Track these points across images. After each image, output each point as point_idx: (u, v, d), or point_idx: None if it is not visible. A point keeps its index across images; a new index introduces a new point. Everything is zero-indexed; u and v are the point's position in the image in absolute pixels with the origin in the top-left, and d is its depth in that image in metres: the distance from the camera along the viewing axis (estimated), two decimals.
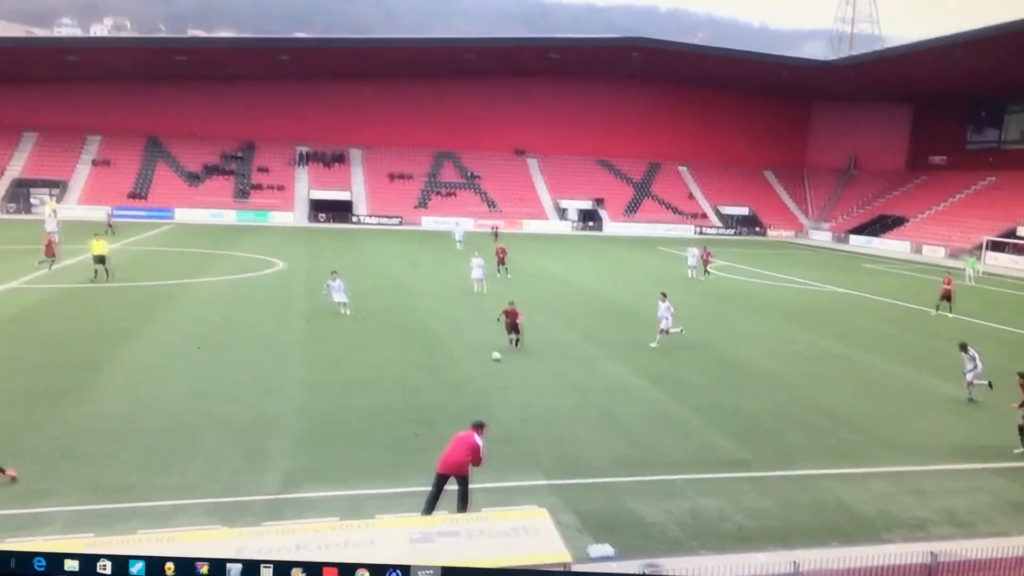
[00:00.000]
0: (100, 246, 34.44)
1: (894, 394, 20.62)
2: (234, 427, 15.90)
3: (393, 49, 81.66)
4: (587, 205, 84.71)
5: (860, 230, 79.63)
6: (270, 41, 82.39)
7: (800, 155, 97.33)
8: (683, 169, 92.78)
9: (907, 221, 77.71)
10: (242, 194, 76.86)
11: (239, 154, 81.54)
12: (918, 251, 69.95)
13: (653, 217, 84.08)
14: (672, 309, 25.04)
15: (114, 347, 22.01)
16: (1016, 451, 16.21)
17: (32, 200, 70.95)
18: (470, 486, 11.86)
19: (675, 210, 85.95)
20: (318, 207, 76.91)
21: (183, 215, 71.82)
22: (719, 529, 12.28)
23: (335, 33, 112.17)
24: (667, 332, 24.81)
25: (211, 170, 78.83)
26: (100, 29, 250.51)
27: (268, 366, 20.81)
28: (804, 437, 16.85)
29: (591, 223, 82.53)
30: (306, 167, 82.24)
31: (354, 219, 76.23)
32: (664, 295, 25.72)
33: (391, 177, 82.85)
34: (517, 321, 23.34)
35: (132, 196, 73.97)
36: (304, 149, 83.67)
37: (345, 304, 28.09)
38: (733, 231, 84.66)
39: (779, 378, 21.81)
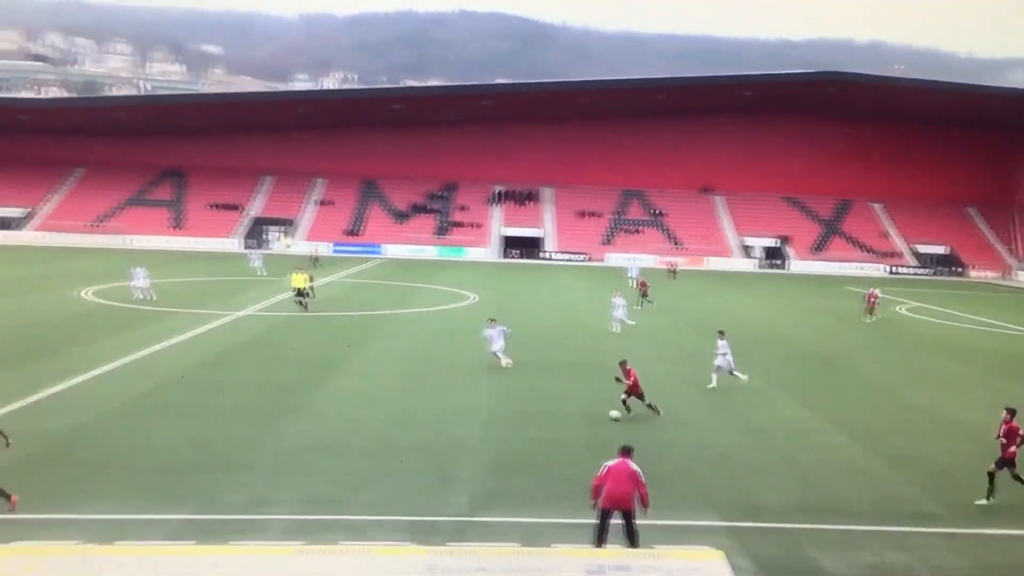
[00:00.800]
0: (299, 280, 36.11)
1: None
2: (427, 450, 16.53)
3: (587, 91, 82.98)
4: (772, 243, 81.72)
5: None
6: (474, 88, 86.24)
7: (1008, 191, 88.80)
8: (876, 206, 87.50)
9: None
10: (442, 231, 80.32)
11: (442, 193, 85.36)
12: None
13: (843, 255, 79.77)
14: (728, 352, 23.01)
15: (327, 371, 23.53)
16: (978, 501, 14.58)
17: (266, 236, 77.46)
18: (636, 521, 11.65)
19: (867, 248, 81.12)
20: (510, 243, 79.04)
21: (390, 250, 75.99)
22: None
23: (534, 77, 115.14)
24: (731, 373, 22.99)
25: (417, 209, 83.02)
26: (329, 82, 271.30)
27: (459, 394, 21.50)
28: (1001, 493, 15.33)
29: (776, 261, 79.49)
30: (501, 205, 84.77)
31: (543, 255, 77.58)
32: (721, 333, 23.80)
33: (580, 215, 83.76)
34: (637, 386, 19.43)
35: (348, 233, 79.18)
36: (500, 188, 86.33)
37: (501, 353, 24.59)
38: (930, 271, 78.68)
39: (974, 428, 19.95)
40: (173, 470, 14.83)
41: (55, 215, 78.46)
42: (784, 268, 78.27)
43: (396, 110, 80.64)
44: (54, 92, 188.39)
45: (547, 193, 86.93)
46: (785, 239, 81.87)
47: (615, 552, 10.71)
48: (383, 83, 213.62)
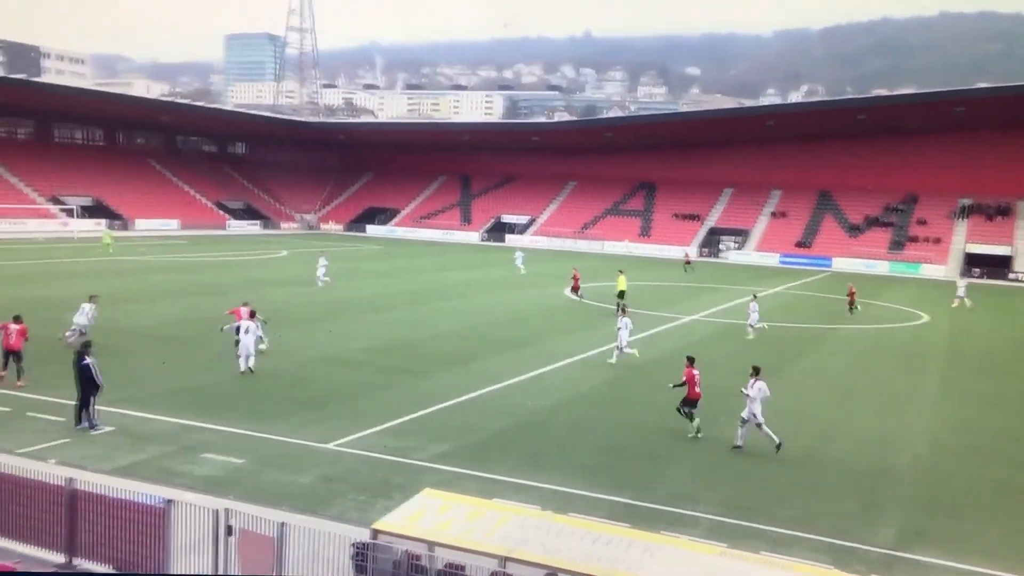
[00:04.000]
0: (621, 282, 35.26)
1: None
2: (854, 472, 15.29)
3: None
4: None
5: None
6: (948, 94, 75.02)
7: None
8: None
9: None
10: (897, 245, 72.39)
11: (900, 206, 76.96)
12: None
13: None
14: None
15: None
16: (690, 435, 16.30)
17: (720, 246, 77.47)
18: None
19: None
20: (972, 261, 68.02)
21: (839, 263, 70.62)
22: None
23: (1019, 80, 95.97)
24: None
25: (871, 222, 76.05)
26: (796, 96, 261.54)
27: (894, 417, 19.45)
28: None
29: None
30: (966, 220, 73.52)
31: (1011, 276, 65.32)
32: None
33: None
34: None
35: (798, 245, 75.59)
36: (966, 201, 74.87)
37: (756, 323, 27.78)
38: None
39: None
40: (617, 454, 15.75)
41: (549, 222, 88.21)
42: None
43: (859, 120, 74.30)
44: (559, 116, 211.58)
45: (1022, 207, 72.98)
46: None
47: None
48: (850, 94, 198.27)
